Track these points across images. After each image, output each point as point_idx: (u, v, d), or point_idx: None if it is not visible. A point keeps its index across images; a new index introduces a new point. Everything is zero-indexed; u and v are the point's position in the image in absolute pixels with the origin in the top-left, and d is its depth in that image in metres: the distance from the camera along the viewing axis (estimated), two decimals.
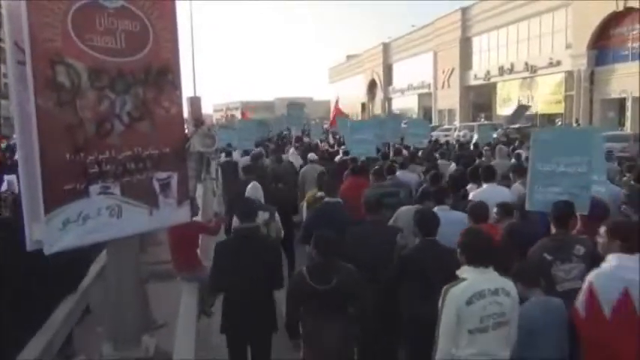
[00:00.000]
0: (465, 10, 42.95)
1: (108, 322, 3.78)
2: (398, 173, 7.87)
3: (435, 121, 44.05)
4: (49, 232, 3.06)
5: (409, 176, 8.35)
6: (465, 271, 3.23)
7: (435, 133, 26.53)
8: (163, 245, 6.67)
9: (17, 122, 3.14)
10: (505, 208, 5.03)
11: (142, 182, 3.48)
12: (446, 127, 34.58)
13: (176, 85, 3.75)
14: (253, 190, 6.28)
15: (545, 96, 35.02)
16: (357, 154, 10.73)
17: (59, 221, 3.08)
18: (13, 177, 8.00)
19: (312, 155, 10.80)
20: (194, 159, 6.71)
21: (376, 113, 52.76)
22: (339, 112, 22.69)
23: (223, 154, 13.74)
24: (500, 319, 3.17)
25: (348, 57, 72.99)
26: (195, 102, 8.62)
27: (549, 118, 34.45)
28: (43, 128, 3.00)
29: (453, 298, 3.13)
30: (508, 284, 3.24)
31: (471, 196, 5.97)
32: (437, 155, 11.83)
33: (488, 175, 6.39)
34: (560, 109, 33.41)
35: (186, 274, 5.87)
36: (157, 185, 3.57)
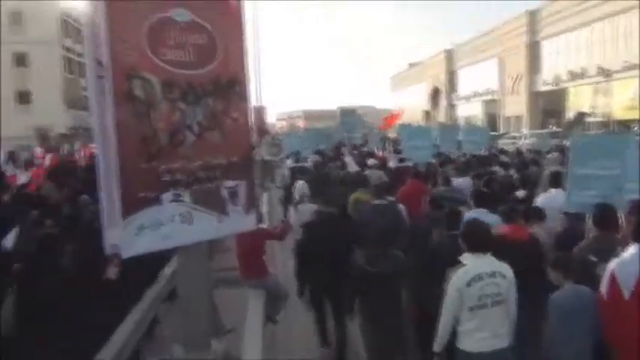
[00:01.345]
0: (532, 14, 41.50)
1: (178, 325, 3.89)
2: (456, 180, 8.18)
3: (501, 129, 42.69)
4: (125, 237, 3.20)
5: (463, 183, 8.32)
6: (465, 258, 3.68)
7: (501, 141, 25.70)
8: (230, 252, 6.80)
9: (97, 133, 3.31)
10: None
11: (211, 190, 3.58)
12: (513, 134, 33.41)
13: (244, 97, 3.84)
14: (301, 188, 7.12)
15: (621, 101, 33.15)
16: (414, 160, 10.78)
17: (134, 227, 3.22)
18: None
19: (371, 161, 11.43)
20: (258, 167, 6.84)
21: (439, 121, 51.84)
22: (391, 121, 22.45)
23: (289, 160, 13.89)
24: (498, 298, 3.59)
25: (411, 65, 72.32)
26: (260, 111, 8.77)
27: (625, 125, 32.55)
28: (120, 138, 3.15)
29: (454, 280, 3.60)
30: (504, 267, 3.67)
31: (538, 202, 6.00)
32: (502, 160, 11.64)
33: (553, 181, 6.46)
34: (636, 115, 31.50)
35: (252, 281, 5.94)
36: (225, 193, 3.66)
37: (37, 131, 41.92)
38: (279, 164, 10.78)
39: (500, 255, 3.74)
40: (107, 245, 3.30)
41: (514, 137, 30.80)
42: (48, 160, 12.70)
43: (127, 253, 3.23)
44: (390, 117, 23.14)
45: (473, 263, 3.64)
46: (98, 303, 3.95)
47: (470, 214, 5.17)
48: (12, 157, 18.33)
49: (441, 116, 58.36)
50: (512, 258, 3.78)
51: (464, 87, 55.14)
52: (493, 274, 3.61)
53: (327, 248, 5.42)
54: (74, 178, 9.94)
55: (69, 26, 50.44)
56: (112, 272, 3.64)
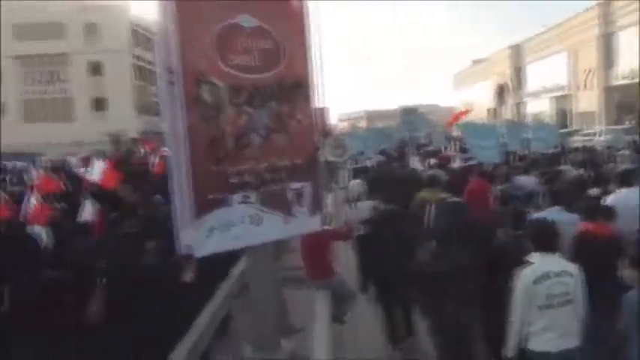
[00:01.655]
0: (603, 5, 39.34)
1: (248, 324, 3.97)
2: (519, 178, 8.26)
3: (573, 126, 40.75)
4: (197, 238, 3.31)
5: (527, 180, 8.28)
6: (533, 257, 3.72)
7: (574, 139, 24.52)
8: (296, 252, 6.87)
9: (168, 137, 3.44)
10: None
11: (277, 192, 3.63)
12: (586, 131, 31.78)
13: (308, 98, 3.88)
14: (357, 186, 7.49)
15: None
16: (480, 159, 10.62)
17: (206, 228, 3.32)
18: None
19: (432, 160, 11.65)
20: (322, 169, 6.84)
21: (506, 119, 50.16)
22: (457, 118, 21.93)
23: (350, 161, 13.91)
24: (566, 298, 3.59)
25: (474, 61, 70.42)
26: (322, 113, 8.85)
27: None
28: (190, 142, 3.25)
29: (521, 278, 3.64)
30: (572, 267, 3.68)
31: (608, 201, 5.75)
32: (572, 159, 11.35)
33: (624, 179, 6.38)
34: None
35: (318, 281, 5.97)
36: (291, 195, 3.71)
37: (111, 137, 44.12)
38: (343, 165, 10.82)
39: (582, 252, 3.80)
40: (181, 246, 3.42)
41: (587, 134, 29.30)
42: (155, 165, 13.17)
43: (199, 253, 3.34)
44: (458, 115, 22.62)
45: (540, 262, 3.68)
46: (175, 299, 4.10)
47: (544, 213, 5.11)
48: (87, 162, 19.41)
49: (508, 114, 56.43)
50: (594, 254, 3.81)
51: (531, 83, 53.00)
52: (560, 273, 3.63)
53: (388, 245, 5.53)
54: (147, 181, 10.38)
55: (139, 35, 52.81)
56: (187, 276, 3.77)
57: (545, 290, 3.59)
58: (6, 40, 49.27)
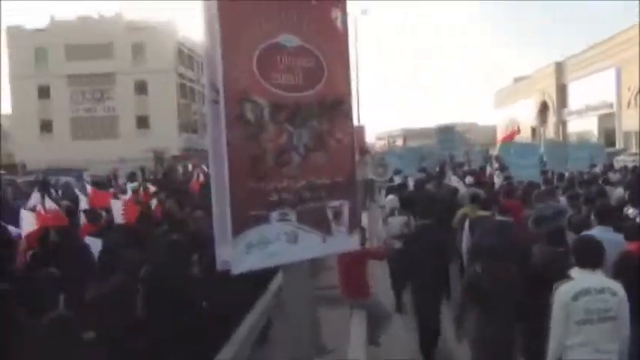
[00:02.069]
0: None
1: (285, 342, 3.96)
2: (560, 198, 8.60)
3: (619, 145, 39.42)
4: (235, 255, 3.32)
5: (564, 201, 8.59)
6: (574, 272, 3.78)
7: (620, 158, 23.76)
8: (332, 270, 6.85)
9: (211, 155, 3.50)
10: None
11: (316, 210, 3.62)
12: (633, 151, 30.68)
13: (348, 117, 3.87)
14: (390, 202, 7.95)
15: None
16: (521, 178, 10.80)
17: (244, 244, 3.33)
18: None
19: (469, 179, 12.17)
20: (359, 187, 6.88)
21: (548, 138, 48.96)
22: (508, 137, 21.57)
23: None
24: (605, 315, 3.61)
25: (516, 79, 69.29)
26: (359, 131, 8.98)
27: None
28: (232, 160, 3.28)
29: (561, 294, 3.72)
30: (615, 285, 3.71)
31: None
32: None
33: None
34: None
35: (354, 301, 5.93)
36: (329, 213, 3.69)
37: (154, 153, 45.27)
38: (383, 184, 10.84)
39: (624, 271, 3.88)
40: (218, 262, 3.45)
41: (633, 154, 28.27)
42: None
43: (236, 270, 3.34)
44: (509, 134, 22.37)
45: (580, 278, 3.73)
46: (219, 307, 4.19)
47: (593, 231, 5.19)
48: (133, 177, 20.04)
49: (550, 133, 55.13)
50: (636, 274, 3.91)
51: (575, 101, 51.74)
52: (602, 290, 3.65)
53: (424, 260, 5.81)
54: (190, 196, 10.77)
55: (183, 54, 54.31)
56: None
57: (584, 305, 3.64)
58: (58, 61, 51.55)
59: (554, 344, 3.71)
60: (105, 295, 4.15)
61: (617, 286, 3.71)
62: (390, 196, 9.87)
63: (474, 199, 8.31)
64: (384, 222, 8.09)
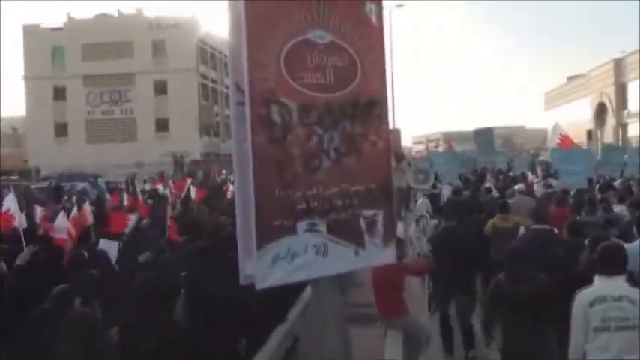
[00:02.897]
0: None
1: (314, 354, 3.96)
2: (615, 208, 8.55)
3: None
4: (260, 268, 3.32)
5: (624, 211, 8.57)
6: (596, 279, 3.95)
7: None
8: (365, 287, 6.82)
9: (235, 160, 3.54)
10: None
11: (348, 220, 3.62)
12: None
13: (383, 119, 3.87)
14: (422, 205, 8.47)
15: None
16: (567, 185, 10.86)
17: (269, 257, 3.33)
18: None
19: (520, 186, 12.03)
20: (395, 195, 6.85)
21: (606, 142, 47.84)
22: (565, 143, 21.18)
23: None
24: (623, 323, 3.74)
25: (569, 78, 67.98)
26: (394, 134, 9.05)
27: None
28: (256, 165, 3.30)
29: (579, 299, 3.91)
30: (634, 293, 3.83)
31: None
32: None
33: None
34: None
35: (390, 319, 5.88)
36: (363, 223, 3.68)
37: (173, 158, 45.96)
38: (423, 192, 10.87)
39: None
40: (242, 275, 3.47)
41: None
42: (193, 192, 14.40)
43: (260, 285, 3.34)
44: (565, 139, 22.01)
45: (601, 284, 3.90)
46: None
47: (635, 243, 5.39)
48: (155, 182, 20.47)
49: (608, 136, 53.82)
50: None
51: (636, 102, 50.42)
52: (619, 298, 3.78)
53: (453, 262, 6.26)
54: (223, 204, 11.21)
55: (205, 53, 55.03)
56: None
57: (600, 313, 3.80)
58: (75, 61, 52.87)
59: (573, 349, 3.94)
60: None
61: (636, 294, 3.83)
62: (421, 199, 10.35)
63: (503, 208, 8.62)
64: (416, 224, 8.56)
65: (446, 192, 12.63)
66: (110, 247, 7.04)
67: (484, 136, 18.69)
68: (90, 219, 9.27)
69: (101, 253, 6.79)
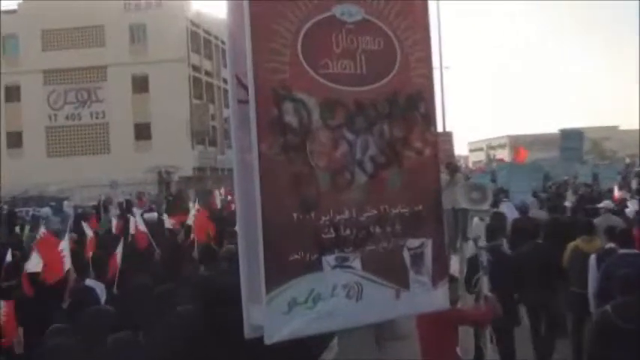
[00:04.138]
0: None
1: None
2: None
3: None
4: (271, 316, 3.31)
5: None
6: None
7: None
8: (407, 341, 6.76)
9: (237, 175, 3.54)
10: None
11: (388, 252, 3.60)
12: None
13: (430, 119, 3.87)
14: (476, 227, 7.77)
15: None
16: None
17: (284, 302, 3.32)
18: None
19: (607, 203, 12.60)
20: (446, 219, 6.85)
21: None
22: None
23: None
24: None
25: None
26: (445, 139, 9.02)
27: None
28: (266, 181, 3.30)
29: None
30: None
31: None
32: None
33: None
34: None
35: None
36: (407, 257, 3.66)
37: (158, 174, 46.22)
38: (483, 215, 10.85)
39: None
40: (247, 326, 3.45)
41: None
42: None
43: (271, 339, 3.31)
44: None
45: None
46: None
47: None
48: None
49: None
50: None
51: None
52: None
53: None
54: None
55: (197, 38, 55.43)
56: None
57: None
58: (32, 52, 53.61)
59: None
60: None
61: None
62: (476, 220, 10.56)
63: (588, 228, 8.86)
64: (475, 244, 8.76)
65: (508, 212, 12.68)
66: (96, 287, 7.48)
67: (572, 139, 18.50)
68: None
69: (90, 291, 7.21)
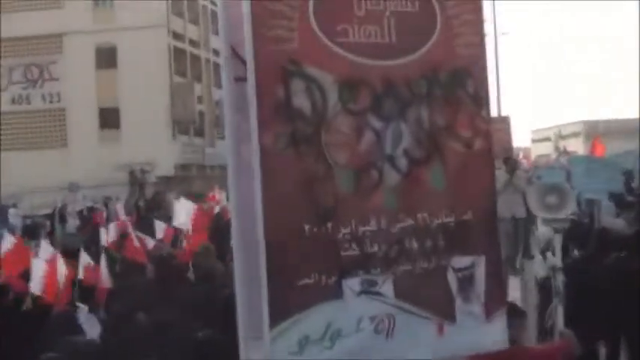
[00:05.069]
0: None
1: None
2: None
3: None
4: (277, 358, 3.32)
5: None
6: None
7: None
8: None
9: (232, 174, 3.56)
10: None
11: (428, 274, 3.62)
12: None
13: (481, 101, 3.90)
14: (544, 233, 8.85)
15: None
16: None
17: (293, 340, 3.34)
18: None
19: None
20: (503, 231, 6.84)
21: None
22: None
23: None
24: None
25: None
26: (501, 127, 8.99)
27: None
28: (269, 182, 3.31)
29: None
30: None
31: None
32: None
33: None
34: None
35: None
36: (453, 280, 3.68)
37: (129, 174, 46.31)
38: (561, 226, 10.85)
39: None
40: None
41: None
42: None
43: None
44: None
45: None
46: None
47: None
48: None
49: None
50: None
51: None
52: None
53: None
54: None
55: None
56: None
57: None
58: None
59: None
60: None
61: None
62: (545, 230, 10.77)
63: None
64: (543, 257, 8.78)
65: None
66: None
67: None
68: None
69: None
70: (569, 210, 7.27)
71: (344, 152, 3.46)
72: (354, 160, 3.49)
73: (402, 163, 3.59)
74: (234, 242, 3.63)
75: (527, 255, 13.22)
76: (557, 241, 8.57)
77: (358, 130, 3.51)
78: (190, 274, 10.36)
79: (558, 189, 6.69)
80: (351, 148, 3.48)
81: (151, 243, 13.31)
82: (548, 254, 8.95)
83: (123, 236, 14.06)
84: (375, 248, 3.50)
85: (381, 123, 3.56)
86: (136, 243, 12.68)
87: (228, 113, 3.59)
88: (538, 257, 10.56)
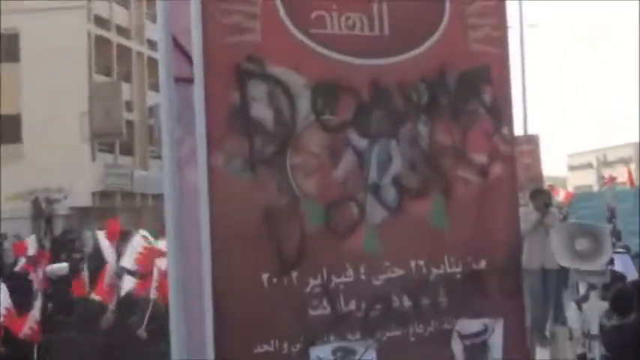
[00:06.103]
0: None
1: None
2: None
3: None
4: None
5: None
6: None
7: None
8: None
9: (170, 204, 3.56)
10: None
11: (425, 342, 3.64)
12: None
13: (500, 114, 3.96)
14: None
15: None
16: None
17: None
18: None
19: None
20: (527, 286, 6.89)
21: None
22: None
23: None
24: None
25: None
26: (528, 149, 9.09)
27: None
28: (218, 216, 3.35)
29: None
30: None
31: None
32: None
33: None
34: None
35: None
36: (458, 350, 3.70)
37: (32, 203, 46.18)
38: (596, 280, 10.95)
39: None
40: None
41: None
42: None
43: None
44: None
45: None
46: None
47: None
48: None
49: None
50: None
51: None
52: None
53: None
54: None
55: None
56: None
57: None
58: None
59: None
60: None
61: None
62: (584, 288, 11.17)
63: None
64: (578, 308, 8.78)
65: (623, 269, 12.80)
66: None
67: None
68: None
69: None
70: (605, 260, 7.13)
71: (315, 179, 3.49)
72: (327, 190, 3.51)
73: (391, 194, 3.61)
74: (171, 296, 3.59)
75: (561, 319, 13.25)
76: (593, 301, 8.49)
77: (335, 151, 3.53)
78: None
79: (592, 231, 6.58)
80: (324, 174, 3.51)
81: None
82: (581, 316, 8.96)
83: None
84: (353, 306, 3.52)
85: (365, 141, 3.59)
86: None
87: (167, 124, 3.56)
88: (575, 321, 10.52)
